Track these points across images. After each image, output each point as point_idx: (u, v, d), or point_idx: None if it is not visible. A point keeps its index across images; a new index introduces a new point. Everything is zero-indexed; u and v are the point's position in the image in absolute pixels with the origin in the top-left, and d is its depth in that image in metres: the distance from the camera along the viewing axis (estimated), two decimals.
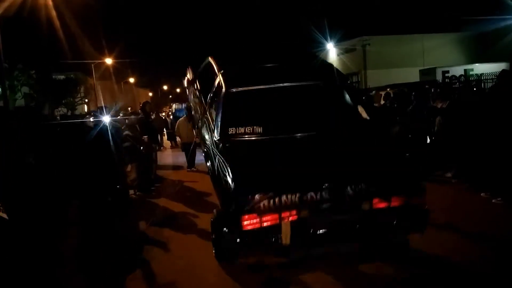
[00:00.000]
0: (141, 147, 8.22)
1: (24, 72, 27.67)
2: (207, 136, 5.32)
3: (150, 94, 78.25)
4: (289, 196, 3.56)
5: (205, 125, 5.60)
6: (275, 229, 3.58)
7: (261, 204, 3.50)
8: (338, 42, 36.10)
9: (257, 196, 3.50)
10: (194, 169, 10.81)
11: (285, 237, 3.56)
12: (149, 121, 9.45)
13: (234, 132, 4.47)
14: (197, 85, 6.82)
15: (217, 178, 4.29)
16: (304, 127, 4.56)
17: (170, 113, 27.92)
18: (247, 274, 4.20)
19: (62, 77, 34.94)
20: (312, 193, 3.61)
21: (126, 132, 8.18)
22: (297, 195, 3.58)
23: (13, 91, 26.51)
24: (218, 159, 4.31)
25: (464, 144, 6.88)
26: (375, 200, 3.73)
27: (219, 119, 4.64)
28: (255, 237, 3.58)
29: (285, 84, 4.89)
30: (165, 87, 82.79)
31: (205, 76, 6.12)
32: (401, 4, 40.44)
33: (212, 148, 4.74)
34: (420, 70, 26.75)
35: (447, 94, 8.49)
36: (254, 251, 3.76)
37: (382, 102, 11.36)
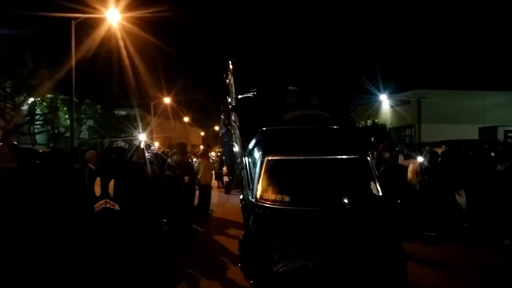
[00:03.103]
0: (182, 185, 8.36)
1: (91, 106, 29.78)
2: (244, 189, 5.60)
3: (202, 133, 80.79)
4: None
5: (243, 174, 5.82)
6: None
7: None
8: (392, 94, 35.78)
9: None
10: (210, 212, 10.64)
11: None
12: (188, 161, 9.64)
13: (267, 198, 4.74)
14: (236, 118, 6.66)
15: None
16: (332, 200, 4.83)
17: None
18: None
19: (123, 113, 37.24)
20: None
21: (167, 173, 8.23)
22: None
23: (80, 124, 28.53)
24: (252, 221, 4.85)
25: None
26: None
27: (255, 183, 4.88)
28: None
29: (323, 156, 5.07)
30: (216, 128, 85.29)
31: (246, 113, 6.14)
32: (460, 59, 39.78)
33: (248, 205, 5.13)
34: (479, 128, 25.80)
35: (507, 155, 8.07)
36: None
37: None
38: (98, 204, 4.90)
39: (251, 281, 4.71)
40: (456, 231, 7.66)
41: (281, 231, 4.44)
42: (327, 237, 4.35)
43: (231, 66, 7.58)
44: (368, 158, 5.17)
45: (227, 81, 7.91)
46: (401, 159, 9.72)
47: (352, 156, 5.09)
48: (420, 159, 9.15)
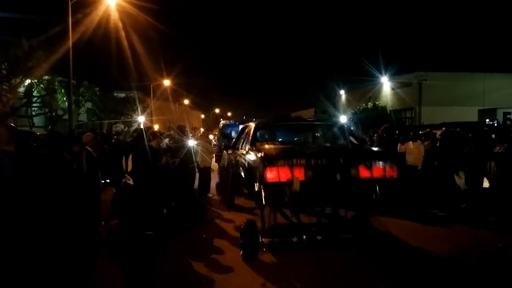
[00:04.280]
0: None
1: (89, 88, 29.53)
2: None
3: (202, 116, 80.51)
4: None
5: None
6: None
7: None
8: (393, 76, 35.57)
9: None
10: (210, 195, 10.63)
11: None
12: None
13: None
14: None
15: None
16: None
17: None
18: None
19: (122, 95, 37.02)
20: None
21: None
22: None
23: (78, 106, 28.37)
24: None
25: None
26: None
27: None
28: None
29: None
30: (217, 110, 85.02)
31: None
32: (461, 42, 39.42)
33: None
34: (479, 110, 25.76)
35: (506, 137, 8.08)
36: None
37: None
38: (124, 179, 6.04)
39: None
40: (455, 212, 7.71)
41: None
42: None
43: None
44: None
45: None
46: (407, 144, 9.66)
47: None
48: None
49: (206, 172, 10.60)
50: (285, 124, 8.05)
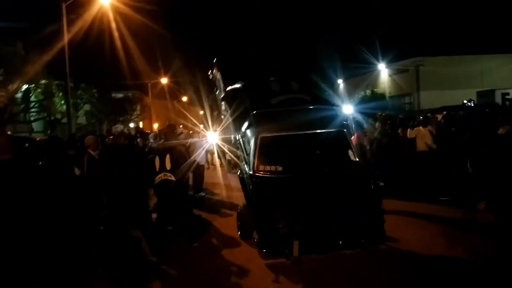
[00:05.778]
0: None
1: (87, 90, 29.43)
2: (242, 164, 6.46)
3: (202, 112, 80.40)
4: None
5: (239, 152, 6.75)
6: None
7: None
8: (390, 63, 35.42)
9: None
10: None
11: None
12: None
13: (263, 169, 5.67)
14: (227, 106, 7.71)
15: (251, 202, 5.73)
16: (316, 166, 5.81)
17: None
18: None
19: (120, 95, 36.92)
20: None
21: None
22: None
23: (76, 109, 28.28)
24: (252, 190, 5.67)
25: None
26: None
27: (252, 158, 5.77)
28: None
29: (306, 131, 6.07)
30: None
31: (235, 102, 7.11)
32: (456, 24, 39.19)
33: (246, 177, 5.99)
34: (477, 92, 25.66)
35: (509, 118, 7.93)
36: None
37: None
38: (157, 177, 6.32)
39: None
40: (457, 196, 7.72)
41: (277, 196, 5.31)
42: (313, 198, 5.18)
43: (216, 64, 8.69)
44: (345, 130, 6.19)
45: (213, 76, 9.03)
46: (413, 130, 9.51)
47: (330, 130, 6.01)
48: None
49: (199, 169, 10.17)
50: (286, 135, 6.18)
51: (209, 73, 9.45)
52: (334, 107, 6.92)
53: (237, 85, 7.32)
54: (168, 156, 6.50)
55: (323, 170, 5.67)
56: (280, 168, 5.61)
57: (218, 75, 8.52)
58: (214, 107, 9.58)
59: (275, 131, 5.96)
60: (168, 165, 6.48)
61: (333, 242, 5.03)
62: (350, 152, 6.11)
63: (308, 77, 8.13)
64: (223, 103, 8.06)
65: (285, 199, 5.20)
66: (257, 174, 5.59)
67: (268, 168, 5.63)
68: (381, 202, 5.37)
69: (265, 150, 5.73)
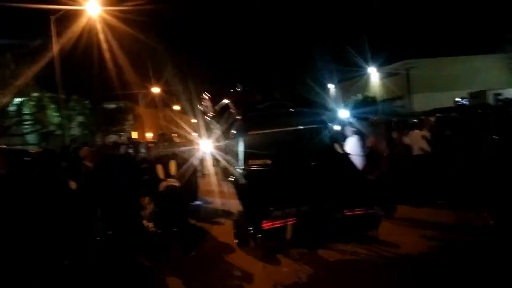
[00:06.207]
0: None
1: (78, 102, 29.28)
2: (234, 164, 7.06)
3: (194, 120, 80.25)
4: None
5: (230, 157, 7.48)
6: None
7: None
8: (380, 66, 35.61)
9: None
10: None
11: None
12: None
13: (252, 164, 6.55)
14: (218, 119, 8.96)
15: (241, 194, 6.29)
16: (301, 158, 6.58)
17: None
18: None
19: (112, 106, 36.73)
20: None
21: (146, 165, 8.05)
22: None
23: (69, 120, 28.06)
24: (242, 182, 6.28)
25: None
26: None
27: (242, 154, 6.69)
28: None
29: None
30: None
31: (225, 114, 8.38)
32: (444, 27, 39.59)
33: (238, 174, 6.61)
34: (469, 93, 25.86)
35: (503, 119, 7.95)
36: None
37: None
38: (162, 185, 6.53)
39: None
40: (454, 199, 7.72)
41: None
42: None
43: (206, 97, 10.56)
44: (326, 127, 7.43)
45: (204, 105, 10.71)
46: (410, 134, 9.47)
47: (307, 127, 7.22)
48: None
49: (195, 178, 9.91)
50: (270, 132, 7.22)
51: (200, 104, 11.38)
52: (314, 110, 7.97)
53: (225, 101, 8.70)
54: (173, 162, 6.81)
55: (304, 160, 6.48)
56: (268, 161, 6.54)
57: (209, 104, 10.27)
58: (207, 122, 10.55)
59: (261, 130, 7.06)
60: (174, 171, 6.77)
61: (324, 223, 5.47)
62: (336, 145, 7.24)
63: (291, 86, 9.91)
64: (214, 120, 9.45)
65: (273, 185, 5.77)
66: (247, 168, 6.44)
67: (257, 162, 6.54)
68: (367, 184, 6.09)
69: (253, 146, 6.74)
